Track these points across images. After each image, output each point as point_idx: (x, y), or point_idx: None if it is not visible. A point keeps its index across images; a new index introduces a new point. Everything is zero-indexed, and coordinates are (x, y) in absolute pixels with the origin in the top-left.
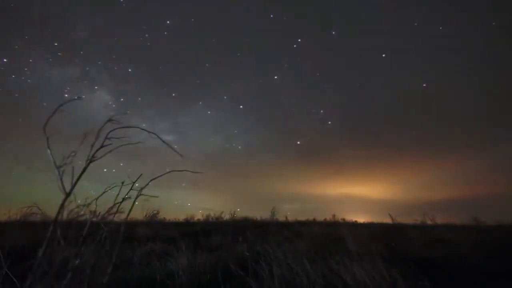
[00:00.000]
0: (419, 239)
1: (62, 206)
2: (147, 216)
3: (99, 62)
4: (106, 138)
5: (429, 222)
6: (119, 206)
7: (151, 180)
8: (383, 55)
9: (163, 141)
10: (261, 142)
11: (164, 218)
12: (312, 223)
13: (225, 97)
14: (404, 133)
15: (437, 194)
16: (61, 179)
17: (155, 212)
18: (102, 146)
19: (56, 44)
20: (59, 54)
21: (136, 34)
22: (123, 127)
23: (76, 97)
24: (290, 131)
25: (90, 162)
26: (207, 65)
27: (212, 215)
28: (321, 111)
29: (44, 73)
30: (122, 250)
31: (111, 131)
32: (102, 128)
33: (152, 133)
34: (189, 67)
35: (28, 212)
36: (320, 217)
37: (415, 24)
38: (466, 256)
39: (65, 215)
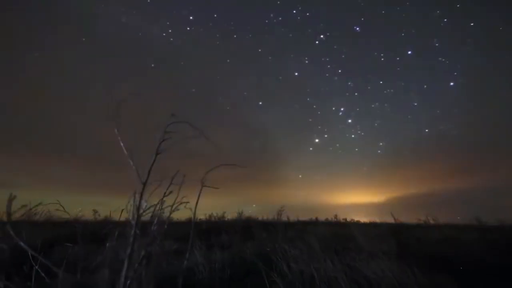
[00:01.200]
0: (427, 237)
1: (141, 196)
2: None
3: (121, 58)
4: (165, 132)
5: (431, 221)
6: (181, 200)
7: (207, 172)
8: (409, 52)
9: (202, 135)
10: (278, 139)
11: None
12: (316, 223)
13: (244, 93)
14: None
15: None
16: (137, 170)
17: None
18: (163, 140)
19: (84, 39)
20: (85, 49)
21: (159, 29)
22: (175, 122)
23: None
24: (309, 129)
25: (157, 154)
26: (228, 60)
27: (215, 214)
28: (342, 108)
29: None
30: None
31: (169, 124)
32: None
33: (198, 130)
34: (209, 62)
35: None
36: (321, 217)
37: (445, 20)
38: (477, 252)
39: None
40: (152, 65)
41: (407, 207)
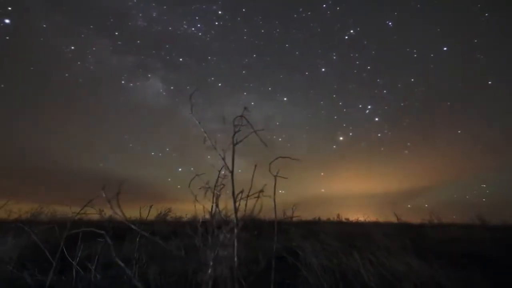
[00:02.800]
0: (438, 236)
1: (232, 183)
2: (161, 214)
3: (153, 51)
4: (234, 125)
5: (435, 221)
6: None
7: (270, 163)
8: (444, 49)
9: (255, 131)
10: (302, 136)
11: (174, 216)
12: (318, 222)
13: (269, 89)
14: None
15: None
16: (223, 159)
17: (167, 211)
18: (236, 131)
19: (116, 33)
20: (119, 43)
21: (188, 24)
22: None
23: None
24: (333, 126)
25: (236, 144)
26: (254, 56)
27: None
28: (369, 106)
29: (105, 60)
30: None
31: (236, 117)
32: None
33: (254, 130)
34: (236, 57)
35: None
36: (323, 216)
37: (486, 15)
38: (491, 250)
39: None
40: (180, 59)
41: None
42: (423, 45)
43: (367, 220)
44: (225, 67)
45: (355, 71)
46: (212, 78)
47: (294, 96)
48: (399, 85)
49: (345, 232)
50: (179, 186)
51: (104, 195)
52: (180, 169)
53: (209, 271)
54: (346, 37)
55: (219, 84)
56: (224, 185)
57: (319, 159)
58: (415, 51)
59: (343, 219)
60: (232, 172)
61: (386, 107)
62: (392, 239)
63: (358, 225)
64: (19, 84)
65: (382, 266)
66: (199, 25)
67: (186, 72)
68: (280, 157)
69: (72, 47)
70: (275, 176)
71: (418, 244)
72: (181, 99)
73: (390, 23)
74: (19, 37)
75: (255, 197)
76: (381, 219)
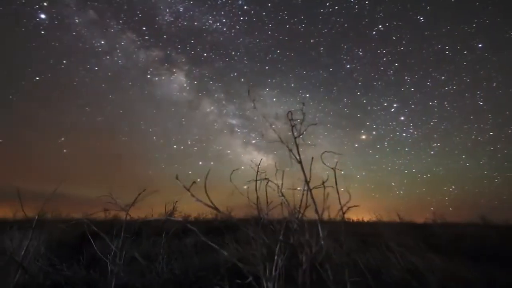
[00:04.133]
0: (445, 235)
1: (303, 171)
2: (168, 212)
3: (179, 46)
4: (289, 119)
5: (438, 221)
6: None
7: (322, 154)
8: (480, 45)
9: (288, 127)
10: (323, 133)
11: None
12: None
13: (292, 85)
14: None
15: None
16: (290, 150)
17: (175, 208)
18: (293, 126)
19: (144, 28)
20: (146, 37)
21: (213, 19)
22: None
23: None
24: (356, 124)
25: (298, 136)
26: (278, 51)
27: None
28: (395, 104)
29: (132, 55)
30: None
31: (289, 112)
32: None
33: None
34: (260, 53)
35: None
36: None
37: None
38: (500, 247)
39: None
40: (204, 54)
41: None
42: (456, 42)
43: (371, 219)
44: (248, 62)
45: (382, 68)
46: (235, 74)
47: (316, 92)
48: (428, 83)
49: (354, 231)
50: (198, 179)
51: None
52: (200, 163)
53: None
54: (374, 33)
55: (242, 80)
56: (268, 179)
57: (339, 157)
58: (447, 47)
59: (346, 219)
60: (300, 162)
61: (413, 106)
62: (405, 237)
63: (361, 225)
64: (53, 77)
65: (407, 261)
66: (224, 20)
67: (209, 67)
68: (326, 151)
69: (102, 42)
70: (334, 169)
71: (431, 241)
72: (203, 94)
73: (421, 18)
74: (53, 31)
75: (320, 187)
76: (385, 218)
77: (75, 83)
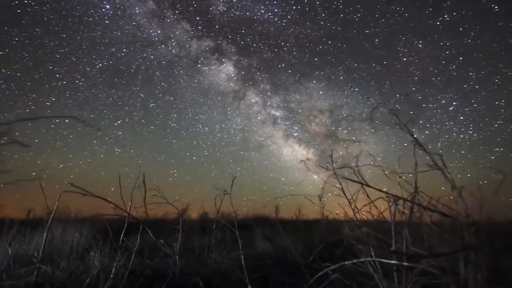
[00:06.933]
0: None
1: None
2: (182, 210)
3: (229, 36)
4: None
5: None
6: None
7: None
8: None
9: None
10: (370, 130)
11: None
12: (317, 221)
13: (341, 78)
14: None
15: None
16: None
17: (188, 207)
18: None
19: (197, 18)
20: (199, 27)
21: (266, 9)
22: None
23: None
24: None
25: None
26: (329, 42)
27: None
28: (454, 102)
29: (185, 45)
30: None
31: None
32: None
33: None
34: (310, 44)
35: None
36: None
37: None
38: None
39: None
40: (254, 44)
41: None
42: None
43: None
44: (297, 53)
45: (444, 62)
46: (283, 64)
47: (367, 86)
48: (496, 80)
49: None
50: (238, 168)
51: None
52: (242, 152)
53: None
54: (438, 23)
55: (289, 71)
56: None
57: (386, 157)
58: None
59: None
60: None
61: (475, 105)
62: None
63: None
64: (114, 64)
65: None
66: (276, 10)
67: (257, 57)
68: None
69: (158, 31)
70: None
71: None
72: (249, 85)
73: (496, 7)
74: (116, 21)
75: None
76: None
77: (132, 71)
